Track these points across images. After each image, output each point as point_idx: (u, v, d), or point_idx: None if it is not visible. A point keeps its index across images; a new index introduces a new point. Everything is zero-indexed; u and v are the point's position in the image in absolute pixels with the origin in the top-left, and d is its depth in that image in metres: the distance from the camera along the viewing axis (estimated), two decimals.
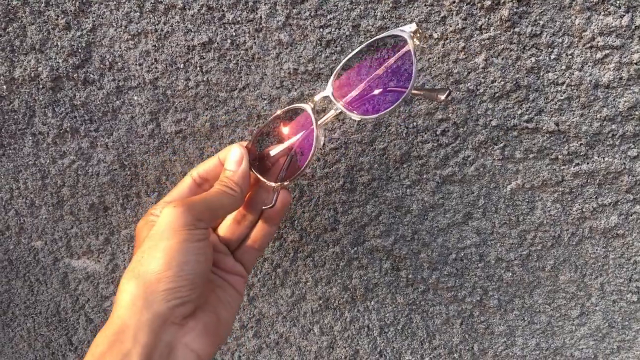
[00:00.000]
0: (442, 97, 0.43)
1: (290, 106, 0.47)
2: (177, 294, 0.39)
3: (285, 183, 0.46)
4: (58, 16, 0.50)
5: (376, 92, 0.45)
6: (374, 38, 0.43)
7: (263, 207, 0.48)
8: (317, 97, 0.45)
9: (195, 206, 0.41)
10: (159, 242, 0.39)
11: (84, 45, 0.52)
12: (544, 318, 0.65)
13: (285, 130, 0.47)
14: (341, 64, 0.45)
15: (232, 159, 0.46)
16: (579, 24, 0.48)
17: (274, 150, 0.47)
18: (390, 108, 0.44)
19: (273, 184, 0.47)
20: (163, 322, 0.38)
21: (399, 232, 0.60)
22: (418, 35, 0.42)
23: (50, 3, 0.50)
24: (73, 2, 0.50)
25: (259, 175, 0.47)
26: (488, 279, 0.62)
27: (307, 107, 0.45)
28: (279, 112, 0.47)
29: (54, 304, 0.70)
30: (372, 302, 0.65)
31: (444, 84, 0.52)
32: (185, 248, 0.39)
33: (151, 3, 0.49)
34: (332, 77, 0.45)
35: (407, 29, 0.42)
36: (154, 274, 0.38)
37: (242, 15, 0.50)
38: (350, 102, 0.45)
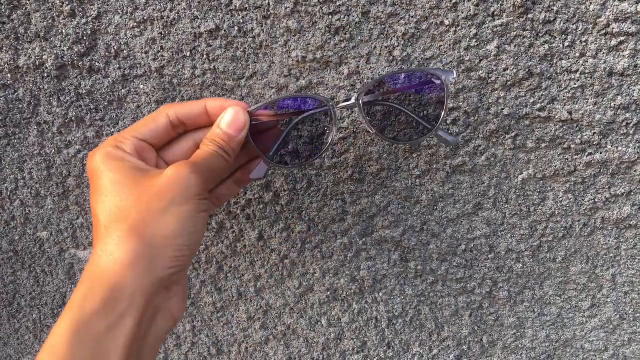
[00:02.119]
0: (449, 147, 0.51)
1: (310, 94, 0.47)
2: (179, 262, 0.38)
3: (285, 167, 0.47)
4: (63, 3, 0.50)
5: (399, 115, 0.50)
6: (415, 69, 0.47)
7: (250, 177, 0.48)
8: (342, 104, 0.46)
9: (204, 174, 0.40)
10: (170, 206, 0.38)
11: (89, 33, 0.51)
12: (555, 310, 0.64)
13: (293, 112, 0.47)
14: (372, 82, 0.46)
15: (232, 122, 0.43)
16: (593, 11, 0.47)
17: (273, 123, 0.47)
18: (411, 142, 0.50)
19: (273, 163, 0.46)
20: (158, 287, 0.38)
21: (408, 223, 0.59)
22: (453, 81, 0.47)
23: None
24: None
25: (257, 150, 0.46)
26: (498, 270, 0.62)
27: (329, 103, 0.45)
28: (295, 94, 0.47)
29: (60, 295, 0.69)
30: (380, 294, 0.65)
31: (456, 70, 0.51)
32: (195, 217, 0.39)
33: None
34: (360, 90, 0.46)
35: (450, 76, 0.45)
36: (162, 238, 0.37)
37: (250, 2, 0.49)
38: (371, 115, 0.48)
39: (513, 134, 0.53)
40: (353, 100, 0.45)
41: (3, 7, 0.50)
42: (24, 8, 0.50)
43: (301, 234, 0.61)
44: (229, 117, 0.43)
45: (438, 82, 0.46)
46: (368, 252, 0.62)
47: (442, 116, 0.46)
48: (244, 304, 0.67)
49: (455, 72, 0.45)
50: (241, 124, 0.43)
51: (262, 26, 0.50)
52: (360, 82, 0.51)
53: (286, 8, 0.49)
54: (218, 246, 0.62)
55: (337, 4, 0.48)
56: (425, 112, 0.48)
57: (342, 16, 0.49)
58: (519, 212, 0.58)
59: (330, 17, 0.49)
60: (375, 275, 0.63)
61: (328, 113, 0.46)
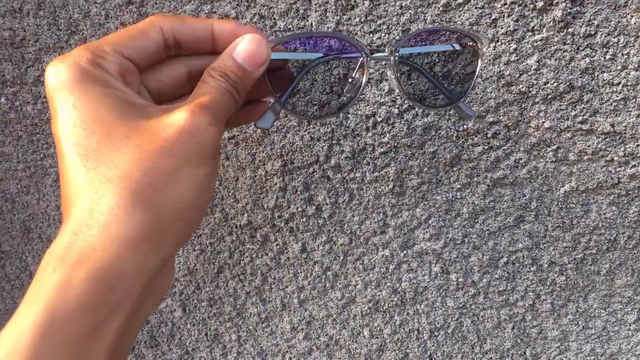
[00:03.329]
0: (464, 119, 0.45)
1: (341, 34, 0.39)
2: (186, 236, 0.31)
3: (300, 117, 0.39)
4: (117, 28, 0.52)
5: (429, 84, 0.43)
6: (455, 28, 0.42)
7: (256, 125, 0.38)
8: (375, 55, 0.39)
9: (221, 123, 0.31)
10: (183, 167, 0.29)
11: None
12: (599, 323, 0.64)
13: (318, 50, 0.39)
14: (408, 36, 0.40)
15: (251, 54, 0.33)
16: (635, 23, 0.47)
17: (293, 61, 0.39)
18: (439, 108, 0.44)
19: (285, 109, 0.39)
20: (161, 268, 0.29)
21: (449, 236, 0.60)
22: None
23: (110, 15, 0.52)
24: (131, 14, 0.52)
25: (273, 94, 0.38)
26: (541, 282, 0.62)
27: (363, 50, 0.39)
28: (324, 31, 0.40)
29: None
30: (421, 306, 0.65)
31: (496, 88, 0.51)
32: (211, 182, 0.31)
33: (206, 13, 0.51)
34: (394, 43, 0.39)
35: (484, 41, 0.42)
36: (174, 210, 0.29)
37: (294, 23, 0.51)
38: (403, 65, 0.41)
39: (554, 147, 0.54)
40: (387, 53, 0.39)
41: (62, 32, 0.53)
42: (81, 33, 0.53)
43: (343, 247, 0.62)
44: (248, 47, 0.33)
45: (472, 45, 0.42)
46: (409, 264, 0.62)
47: (469, 88, 0.42)
48: (287, 315, 0.68)
49: (486, 41, 0.41)
50: (262, 58, 0.34)
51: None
52: (400, 97, 0.53)
53: (328, 28, 0.50)
54: (262, 258, 0.64)
55: (378, 22, 0.50)
56: (456, 79, 0.43)
57: (383, 34, 0.50)
58: (561, 225, 0.58)
59: (371, 35, 0.50)
60: (417, 287, 0.64)
61: (359, 62, 0.39)
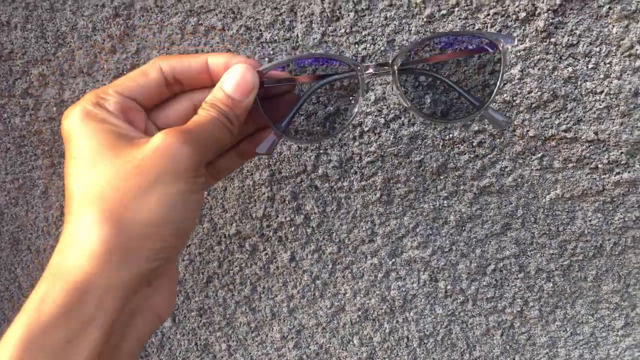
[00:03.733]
0: (500, 124, 0.40)
1: (333, 54, 0.38)
2: (164, 254, 0.31)
3: (300, 143, 0.38)
4: (104, 40, 0.53)
5: (444, 94, 0.40)
6: (466, 32, 0.38)
7: (257, 151, 0.40)
8: (371, 70, 0.38)
9: (201, 145, 0.32)
10: (155, 185, 0.30)
11: (129, 67, 0.54)
12: (587, 329, 0.64)
13: (312, 76, 0.40)
14: (413, 43, 0.38)
15: (238, 83, 0.35)
16: (616, 33, 0.48)
17: (289, 88, 0.39)
18: (453, 121, 0.40)
19: (284, 135, 0.39)
20: (137, 285, 0.31)
21: (437, 244, 0.60)
22: (511, 48, 0.36)
23: (97, 28, 0.52)
24: (118, 26, 0.52)
25: (267, 119, 0.38)
26: (528, 289, 0.62)
27: (356, 67, 0.38)
28: (316, 52, 0.39)
29: None
30: (410, 313, 0.65)
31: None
32: (187, 200, 0.31)
33: (192, 25, 0.51)
34: (397, 53, 0.38)
35: (509, 40, 0.37)
36: (144, 226, 0.30)
37: (279, 34, 0.51)
38: (406, 87, 0.39)
39: (539, 155, 0.54)
40: (386, 69, 0.38)
41: (49, 45, 0.53)
42: (69, 45, 0.53)
43: (332, 255, 0.63)
44: (235, 77, 0.35)
45: (492, 49, 0.38)
46: (398, 272, 0.63)
47: (494, 91, 0.39)
48: (277, 324, 0.68)
49: (515, 40, 0.36)
50: (249, 86, 0.35)
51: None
52: (387, 107, 0.53)
53: (314, 39, 0.51)
54: (251, 267, 0.64)
55: (363, 33, 0.50)
56: (473, 86, 0.40)
57: (368, 45, 0.51)
58: (547, 232, 0.58)
59: (357, 46, 0.51)
60: (406, 295, 0.64)
61: (354, 80, 0.38)
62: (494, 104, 0.52)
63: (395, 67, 0.38)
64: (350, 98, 0.39)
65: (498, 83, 0.39)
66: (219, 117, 0.34)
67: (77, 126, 0.32)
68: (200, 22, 0.51)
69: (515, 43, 0.38)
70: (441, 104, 0.41)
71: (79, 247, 0.29)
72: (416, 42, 0.38)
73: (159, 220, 0.30)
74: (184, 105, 0.38)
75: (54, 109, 0.57)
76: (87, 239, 0.29)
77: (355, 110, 0.39)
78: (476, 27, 0.49)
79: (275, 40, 0.51)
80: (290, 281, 0.65)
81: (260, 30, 0.51)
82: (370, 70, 0.38)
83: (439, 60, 0.39)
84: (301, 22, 0.50)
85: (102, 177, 0.30)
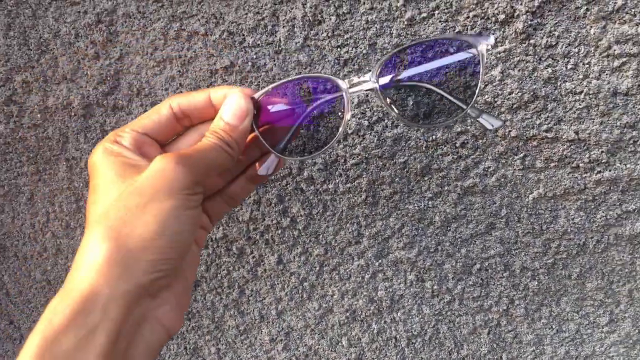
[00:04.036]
0: (489, 126, 0.41)
1: (319, 74, 0.42)
2: (162, 265, 0.34)
3: (295, 159, 0.42)
4: (87, 47, 0.53)
5: (424, 93, 0.42)
6: (442, 37, 0.40)
7: (258, 173, 0.43)
8: (356, 79, 0.40)
9: (195, 166, 0.36)
10: (150, 202, 0.34)
11: (112, 73, 0.54)
12: (573, 326, 0.65)
13: (303, 96, 0.42)
14: (391, 52, 0.40)
15: (233, 110, 0.39)
16: (594, 34, 0.48)
17: (282, 111, 0.41)
18: (444, 123, 0.41)
19: (280, 155, 0.41)
20: (139, 295, 0.33)
21: (423, 244, 0.61)
22: (489, 48, 0.39)
23: (80, 35, 0.52)
24: (101, 32, 0.52)
25: (264, 142, 0.41)
26: (514, 288, 0.63)
27: (342, 83, 0.40)
28: (304, 75, 0.41)
29: None
30: (398, 314, 0.66)
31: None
32: (180, 215, 0.34)
33: (175, 31, 0.51)
34: (379, 63, 0.40)
35: (483, 40, 0.38)
36: (140, 240, 0.33)
37: (262, 39, 0.51)
38: (390, 91, 0.41)
39: (522, 155, 0.55)
40: (370, 83, 0.40)
41: (32, 52, 0.53)
42: (52, 52, 0.53)
43: (319, 257, 0.63)
44: (231, 105, 0.39)
45: (470, 53, 0.39)
46: (384, 273, 0.63)
47: (476, 93, 0.40)
48: (266, 327, 0.68)
49: (493, 37, 0.38)
50: (242, 112, 0.39)
51: (274, 61, 0.52)
52: (370, 110, 0.53)
53: (296, 43, 0.51)
54: (239, 271, 0.64)
55: (345, 37, 0.51)
56: (455, 88, 0.41)
57: (350, 48, 0.51)
58: (531, 231, 0.59)
59: (339, 49, 0.51)
60: (393, 295, 0.65)
61: (341, 100, 0.40)
62: (478, 104, 0.52)
63: (378, 86, 0.40)
64: (339, 114, 0.41)
65: (479, 84, 0.40)
66: (218, 142, 0.38)
67: (97, 161, 0.37)
68: (183, 28, 0.51)
69: (493, 41, 0.39)
70: (425, 109, 0.42)
71: (86, 262, 0.32)
72: (393, 53, 0.40)
73: (154, 234, 0.33)
74: (194, 137, 0.42)
75: (38, 115, 0.57)
76: (92, 254, 0.32)
77: (341, 128, 0.41)
78: (456, 30, 0.49)
79: (258, 44, 0.52)
80: (278, 284, 0.65)
81: (243, 35, 0.51)
82: (354, 90, 0.40)
83: (420, 72, 0.40)
84: (283, 27, 0.51)
85: (108, 200, 0.35)
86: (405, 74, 0.40)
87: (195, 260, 0.41)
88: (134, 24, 0.51)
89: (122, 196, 0.34)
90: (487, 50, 0.40)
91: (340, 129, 0.41)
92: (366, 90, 0.40)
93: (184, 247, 0.35)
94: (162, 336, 0.36)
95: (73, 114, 0.56)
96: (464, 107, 0.40)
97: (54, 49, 0.53)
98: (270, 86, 0.40)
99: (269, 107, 0.41)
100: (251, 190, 0.46)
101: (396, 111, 0.41)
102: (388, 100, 0.41)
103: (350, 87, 0.40)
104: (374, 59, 0.51)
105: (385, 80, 0.40)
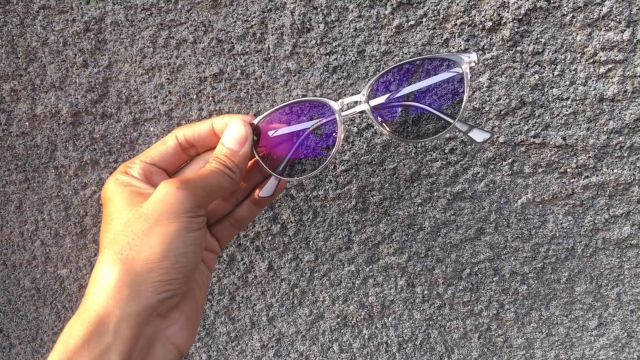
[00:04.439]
0: (478, 139, 0.43)
1: (313, 97, 0.44)
2: (169, 286, 0.35)
3: (293, 179, 0.43)
4: (75, 55, 0.53)
5: (413, 112, 0.43)
6: (427, 56, 0.42)
7: (260, 196, 0.45)
8: (347, 100, 0.43)
9: (197, 190, 0.37)
10: (154, 226, 0.35)
11: (101, 81, 0.54)
12: (562, 330, 0.65)
13: (298, 119, 0.44)
14: (381, 72, 0.42)
15: (233, 136, 0.41)
16: (580, 40, 0.49)
17: (280, 136, 0.43)
18: (434, 138, 0.43)
19: (279, 177, 0.44)
20: (149, 314, 0.35)
21: (413, 249, 0.61)
22: (472, 64, 0.40)
23: (68, 43, 0.52)
24: (89, 40, 0.52)
25: (263, 165, 0.43)
26: (504, 292, 0.63)
27: (334, 104, 0.42)
28: (299, 99, 0.43)
29: None
30: (389, 319, 0.66)
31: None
32: (184, 237, 0.36)
33: (163, 38, 0.51)
34: (368, 84, 0.42)
35: (465, 58, 0.40)
36: (146, 262, 0.35)
37: (251, 46, 0.51)
38: (381, 112, 0.43)
39: (510, 161, 0.55)
40: (361, 105, 0.42)
41: (20, 60, 0.53)
42: (40, 60, 0.53)
43: (309, 263, 0.63)
44: (229, 132, 0.41)
45: (455, 71, 0.41)
46: (375, 279, 0.63)
47: (462, 107, 0.41)
48: (257, 333, 0.68)
49: (475, 54, 0.39)
50: (242, 138, 0.41)
51: (263, 68, 0.52)
52: (359, 117, 0.54)
53: (285, 50, 0.51)
54: (230, 277, 0.64)
55: (334, 44, 0.51)
56: (444, 104, 0.42)
57: (339, 56, 0.51)
58: (520, 235, 0.59)
59: (328, 57, 0.51)
60: (384, 300, 0.65)
61: (334, 122, 0.43)
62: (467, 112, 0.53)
63: (369, 106, 0.42)
64: (334, 134, 0.43)
65: (464, 100, 0.42)
66: (220, 167, 0.40)
67: (109, 191, 0.39)
68: (171, 35, 0.51)
69: (475, 58, 0.41)
70: (416, 126, 0.44)
71: (98, 285, 0.34)
72: (381, 74, 0.42)
73: (159, 256, 0.35)
74: (199, 164, 0.44)
75: (27, 123, 0.56)
76: (103, 278, 0.34)
77: (335, 148, 0.43)
78: (444, 38, 0.50)
79: (247, 52, 0.52)
80: (268, 290, 0.65)
81: (232, 43, 0.51)
82: (347, 113, 0.43)
83: (409, 92, 0.43)
84: (272, 34, 0.51)
85: (117, 226, 0.37)
86: (394, 94, 0.42)
87: (205, 282, 0.43)
88: (122, 32, 0.51)
89: (129, 222, 0.36)
90: (471, 66, 0.41)
91: (334, 149, 0.43)
92: (358, 112, 0.42)
93: (189, 267, 0.37)
94: (174, 355, 0.37)
95: (62, 122, 0.56)
96: (452, 121, 0.42)
97: (42, 57, 0.53)
98: (268, 112, 0.43)
99: (268, 132, 0.43)
100: (257, 213, 0.48)
101: (388, 129, 0.43)
102: (379, 119, 0.43)
103: (343, 110, 0.42)
104: (362, 66, 0.52)
105: (375, 101, 0.42)
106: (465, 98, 0.41)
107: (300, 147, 0.44)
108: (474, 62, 0.41)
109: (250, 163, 0.44)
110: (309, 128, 0.43)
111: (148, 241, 0.35)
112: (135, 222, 0.36)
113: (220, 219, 0.46)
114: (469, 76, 0.41)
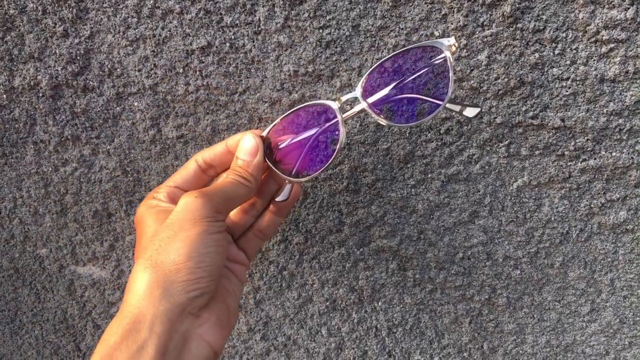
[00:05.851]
0: (471, 115, 0.45)
1: (313, 102, 0.46)
2: (196, 285, 0.39)
3: (304, 179, 0.47)
4: (56, 24, 0.50)
5: (407, 100, 0.46)
6: (410, 47, 0.44)
7: (276, 200, 0.48)
8: (344, 97, 0.45)
9: (214, 197, 0.42)
10: (178, 232, 0.40)
11: (82, 52, 0.51)
12: (554, 315, 0.64)
13: (303, 124, 0.47)
14: (372, 67, 0.45)
15: (245, 148, 0.46)
16: (582, 18, 0.47)
17: (289, 143, 0.47)
18: (425, 119, 0.45)
19: (290, 179, 0.47)
20: (180, 312, 0.38)
21: (405, 232, 0.60)
22: (454, 49, 0.43)
23: (48, 11, 0.49)
24: (70, 9, 0.49)
25: (274, 169, 0.47)
26: (496, 277, 0.62)
27: (333, 104, 0.45)
28: (300, 106, 0.47)
29: (61, 311, 0.69)
30: (379, 303, 0.65)
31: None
32: (205, 239, 0.40)
33: (148, 8, 0.49)
34: (361, 81, 0.45)
35: (445, 42, 0.43)
36: (173, 264, 0.38)
37: (241, 18, 0.49)
38: (379, 106, 0.45)
39: (506, 142, 0.53)
40: (360, 105, 0.45)
41: None
42: (17, 30, 0.51)
43: (299, 246, 0.61)
44: (242, 145, 0.46)
45: (441, 57, 0.43)
46: (366, 262, 0.62)
47: (449, 89, 0.44)
48: (244, 316, 0.67)
49: (453, 38, 0.42)
50: (253, 148, 0.45)
51: (253, 42, 0.50)
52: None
53: (277, 23, 0.49)
54: None
55: (327, 18, 0.49)
56: (433, 89, 0.45)
57: (333, 30, 0.49)
58: (515, 219, 0.58)
59: (321, 31, 0.49)
60: (374, 284, 0.63)
61: (336, 124, 0.46)
62: (462, 90, 0.51)
63: (367, 104, 0.45)
64: (336, 133, 0.46)
65: (450, 83, 0.44)
66: (235, 177, 0.45)
67: (141, 215, 0.45)
68: (157, 5, 0.49)
69: (453, 40, 0.42)
70: (410, 112, 0.46)
71: (133, 290, 0.38)
72: (371, 70, 0.45)
73: (184, 257, 0.39)
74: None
75: (4, 96, 0.54)
76: (138, 283, 0.38)
77: (338, 147, 0.46)
78: (442, 13, 0.48)
79: (237, 24, 0.49)
80: (256, 272, 0.64)
81: (221, 14, 0.49)
82: (347, 114, 0.46)
83: (399, 81, 0.45)
84: (263, 6, 0.48)
85: (146, 239, 0.42)
86: (386, 88, 0.45)
87: (237, 292, 0.47)
88: (105, 0, 0.49)
89: (156, 232, 0.41)
90: (453, 49, 0.43)
91: (338, 146, 0.46)
92: (358, 112, 0.45)
93: (213, 267, 0.40)
94: (208, 353, 0.41)
95: (41, 94, 0.54)
96: (441, 103, 0.45)
97: (20, 26, 0.50)
98: (274, 123, 0.47)
99: (277, 140, 0.47)
100: (279, 223, 0.51)
101: (385, 121, 0.45)
102: (377, 112, 0.45)
103: (343, 111, 0.46)
104: (357, 42, 0.50)
105: (372, 98, 0.45)
106: (450, 80, 0.43)
107: (307, 150, 0.47)
108: (454, 45, 0.43)
109: (264, 175, 0.48)
110: (312, 130, 0.46)
111: (174, 245, 0.39)
112: (161, 231, 0.40)
113: (244, 232, 0.50)
114: (451, 59, 0.43)
